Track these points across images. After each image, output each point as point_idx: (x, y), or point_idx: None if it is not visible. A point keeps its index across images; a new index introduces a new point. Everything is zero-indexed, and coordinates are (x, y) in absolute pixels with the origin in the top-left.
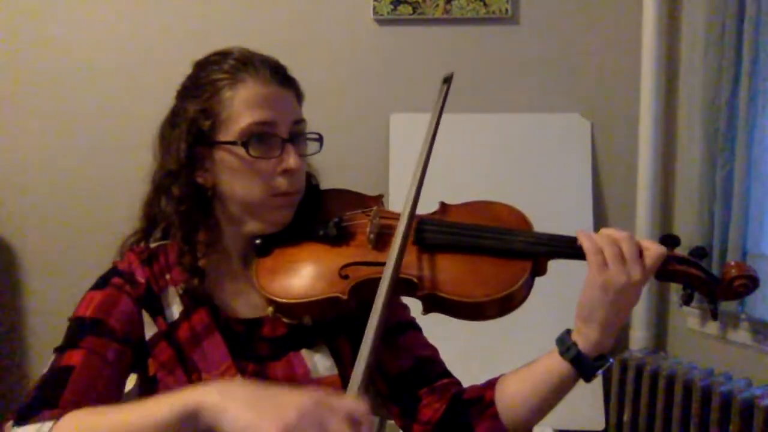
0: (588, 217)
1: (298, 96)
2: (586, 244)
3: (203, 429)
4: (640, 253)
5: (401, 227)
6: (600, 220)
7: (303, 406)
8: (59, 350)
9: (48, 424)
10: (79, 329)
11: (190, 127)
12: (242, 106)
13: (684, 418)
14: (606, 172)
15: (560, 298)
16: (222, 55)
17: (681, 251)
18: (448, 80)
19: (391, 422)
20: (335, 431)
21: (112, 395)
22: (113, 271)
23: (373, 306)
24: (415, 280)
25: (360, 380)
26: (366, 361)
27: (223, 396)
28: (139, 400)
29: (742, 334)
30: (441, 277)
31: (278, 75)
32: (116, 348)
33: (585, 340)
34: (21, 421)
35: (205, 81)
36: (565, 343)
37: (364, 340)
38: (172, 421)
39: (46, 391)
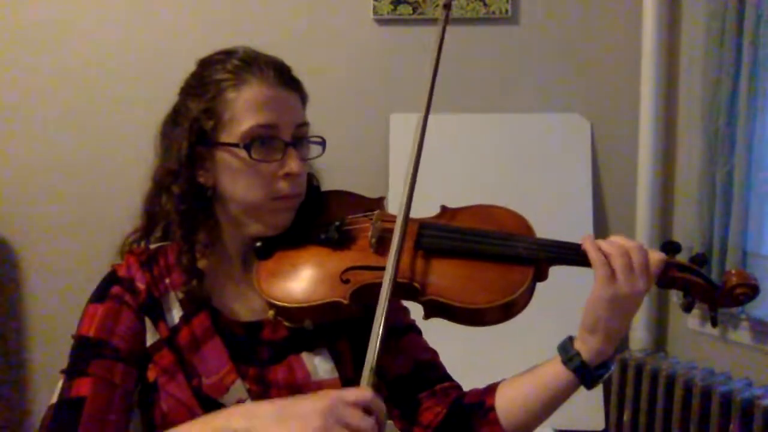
0: (588, 217)
1: (302, 98)
2: (592, 254)
3: None
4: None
5: (399, 220)
6: (600, 221)
7: (323, 409)
8: (67, 376)
9: None
10: (84, 352)
11: (192, 126)
12: (245, 108)
13: (684, 418)
14: (606, 172)
15: (560, 302)
16: (227, 54)
17: (681, 256)
18: (447, 5)
19: (391, 422)
20: (357, 424)
21: (124, 421)
22: (112, 278)
23: (376, 311)
24: (416, 285)
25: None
26: (371, 366)
27: (248, 417)
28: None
29: (742, 334)
30: (442, 283)
31: (283, 76)
32: (122, 369)
33: (588, 349)
34: None
35: (208, 80)
36: (568, 352)
37: (369, 345)
38: None
39: (60, 427)
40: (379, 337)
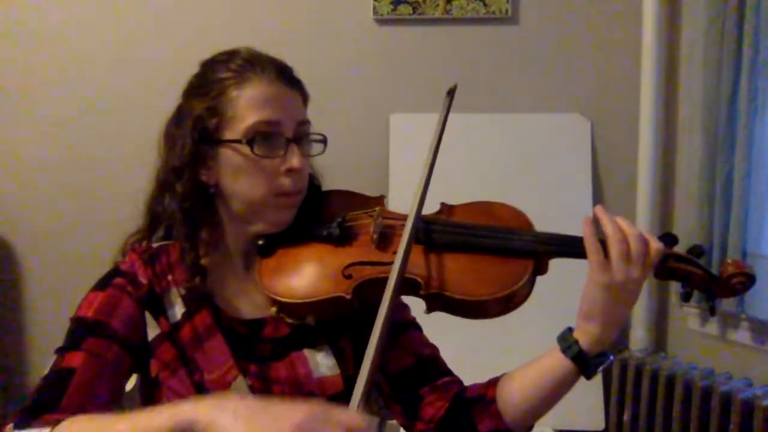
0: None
1: (304, 97)
2: (587, 239)
3: None
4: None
5: (407, 229)
6: None
7: (298, 418)
8: (60, 351)
9: (45, 431)
10: (80, 330)
11: (196, 125)
12: (248, 104)
13: (684, 418)
14: (606, 172)
15: (560, 296)
16: (229, 55)
17: (679, 250)
18: (451, 92)
19: (392, 422)
20: None
21: (113, 398)
22: (115, 271)
23: (380, 307)
24: (418, 279)
25: (364, 386)
26: (371, 362)
27: (217, 409)
28: (136, 410)
29: (742, 334)
30: (444, 277)
31: (285, 75)
32: (117, 350)
33: (586, 337)
34: (21, 424)
35: (212, 80)
36: (566, 341)
37: (369, 341)
38: None
39: (47, 394)
40: (380, 332)
